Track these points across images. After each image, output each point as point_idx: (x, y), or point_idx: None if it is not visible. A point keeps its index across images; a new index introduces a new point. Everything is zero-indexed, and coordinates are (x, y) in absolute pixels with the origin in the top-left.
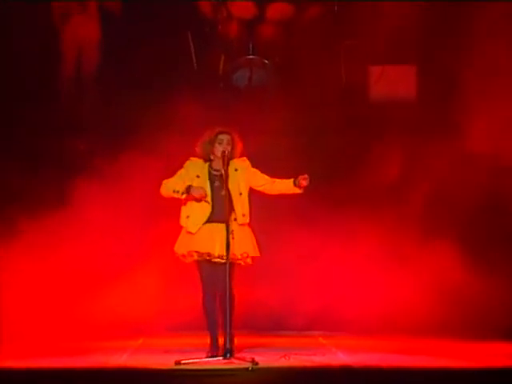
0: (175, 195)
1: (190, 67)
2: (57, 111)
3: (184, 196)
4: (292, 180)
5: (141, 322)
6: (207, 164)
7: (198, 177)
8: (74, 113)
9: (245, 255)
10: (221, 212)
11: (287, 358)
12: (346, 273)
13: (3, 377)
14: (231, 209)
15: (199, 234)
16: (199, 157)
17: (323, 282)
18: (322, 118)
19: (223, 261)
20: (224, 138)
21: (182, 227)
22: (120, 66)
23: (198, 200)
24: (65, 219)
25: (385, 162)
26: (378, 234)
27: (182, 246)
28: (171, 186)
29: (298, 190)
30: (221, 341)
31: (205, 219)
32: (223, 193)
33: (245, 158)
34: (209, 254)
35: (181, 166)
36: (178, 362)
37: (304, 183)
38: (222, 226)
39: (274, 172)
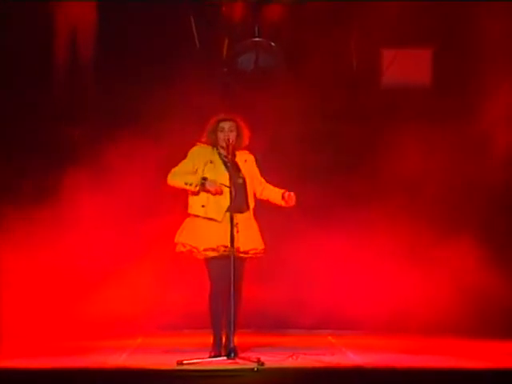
0: (187, 187)
1: (193, 51)
2: (50, 99)
3: (197, 189)
4: (281, 192)
5: (139, 319)
6: (215, 149)
7: (211, 162)
8: (69, 100)
9: (261, 249)
10: (238, 201)
11: (295, 357)
12: (356, 269)
13: None
14: (245, 200)
15: (221, 227)
16: (206, 144)
17: (333, 278)
18: (331, 105)
19: (245, 255)
20: (225, 125)
21: (185, 218)
22: (119, 52)
23: (213, 194)
24: (58, 213)
25: (398, 152)
26: (391, 229)
27: (198, 238)
28: (182, 177)
29: (283, 204)
30: (224, 340)
31: (227, 204)
32: (240, 181)
33: (248, 152)
34: (237, 249)
35: (184, 156)
36: (179, 362)
37: (290, 203)
38: (241, 217)
39: (280, 162)
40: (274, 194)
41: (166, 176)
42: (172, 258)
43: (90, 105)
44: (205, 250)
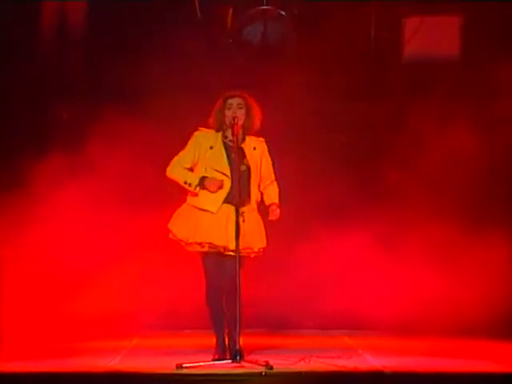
0: (186, 187)
1: (194, 22)
2: (35, 75)
3: (197, 190)
4: (271, 203)
5: (134, 318)
6: (220, 134)
7: (211, 148)
8: (56, 77)
9: (261, 249)
10: (238, 191)
11: (307, 361)
12: (374, 266)
13: None
14: (248, 191)
15: (213, 220)
16: (211, 128)
17: (348, 275)
18: (348, 81)
19: (233, 254)
20: (233, 101)
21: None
22: (109, 24)
23: (214, 193)
24: (37, 202)
25: (421, 133)
26: (413, 221)
27: (186, 230)
28: (182, 174)
29: (268, 214)
30: (228, 341)
31: (224, 195)
32: (243, 168)
33: (263, 139)
34: (224, 248)
35: (182, 141)
36: (179, 366)
37: (272, 216)
38: (241, 210)
39: (290, 146)
40: (266, 199)
41: (160, 162)
42: (171, 252)
43: (78, 82)
44: (190, 244)
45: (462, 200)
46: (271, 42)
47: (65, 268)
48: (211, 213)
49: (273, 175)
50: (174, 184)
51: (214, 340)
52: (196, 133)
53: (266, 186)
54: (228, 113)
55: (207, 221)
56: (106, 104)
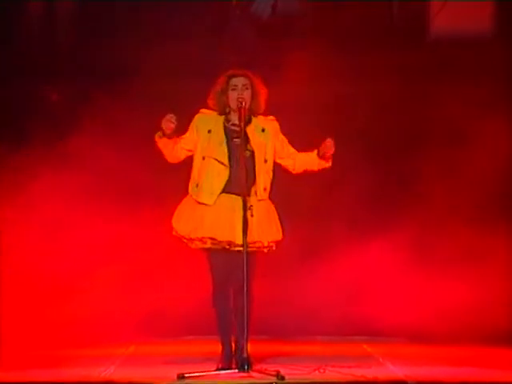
0: (161, 145)
1: None
2: (21, 53)
3: (161, 137)
4: (316, 151)
5: (131, 323)
6: (222, 117)
7: (209, 132)
8: (44, 56)
9: (271, 243)
10: (242, 180)
11: (322, 370)
12: (396, 270)
13: None
14: (253, 178)
15: (214, 213)
16: (213, 109)
17: (368, 278)
18: (367, 62)
19: (239, 249)
20: (238, 81)
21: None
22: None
23: (166, 133)
24: (28, 196)
25: (449, 121)
26: (437, 225)
27: (187, 225)
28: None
29: (324, 164)
30: (235, 349)
31: (221, 186)
32: (247, 154)
33: (273, 117)
34: (229, 243)
35: (184, 127)
36: (180, 376)
37: (328, 152)
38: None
39: (303, 131)
40: (309, 159)
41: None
42: (171, 248)
43: (69, 61)
44: (191, 240)
45: (493, 202)
46: (282, 15)
47: (56, 271)
48: (209, 206)
49: (292, 149)
50: (172, 179)
51: (220, 347)
52: (197, 116)
53: (294, 162)
54: (232, 94)
55: (210, 214)
56: (97, 88)
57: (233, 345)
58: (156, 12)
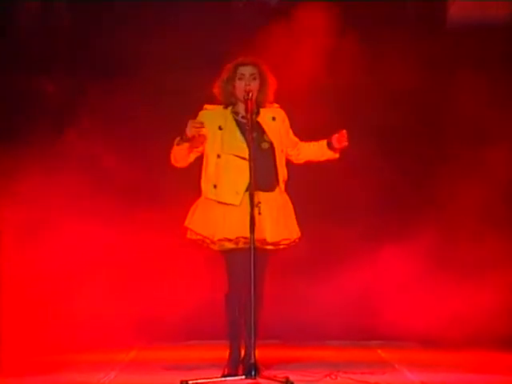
0: (178, 151)
1: None
2: (15, 42)
3: (184, 144)
4: (325, 141)
5: (132, 328)
6: (229, 109)
7: (220, 129)
8: (39, 47)
9: (295, 238)
10: (264, 174)
11: (333, 377)
12: (412, 268)
13: None
14: (275, 171)
15: (242, 211)
16: (218, 100)
17: (382, 276)
18: (384, 48)
19: (274, 247)
20: (246, 71)
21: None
22: None
23: (193, 141)
24: (22, 194)
25: (473, 118)
26: (457, 233)
27: (209, 226)
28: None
29: (332, 155)
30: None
31: (246, 183)
32: (265, 146)
33: (277, 105)
34: (261, 242)
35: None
36: (184, 383)
37: (341, 144)
38: (269, 196)
39: (318, 125)
40: (317, 149)
41: (160, 149)
42: (174, 249)
43: (66, 53)
44: (220, 240)
45: None
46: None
47: (55, 275)
48: (235, 206)
49: (296, 138)
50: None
51: (226, 352)
52: (200, 112)
53: (298, 152)
54: (239, 84)
55: (235, 213)
56: (100, 78)
57: (241, 350)
58: (156, 3)
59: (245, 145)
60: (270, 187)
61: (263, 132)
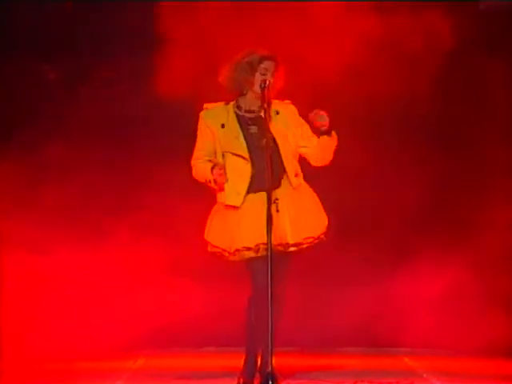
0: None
1: None
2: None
3: (215, 185)
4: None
5: (140, 335)
6: (231, 104)
7: (222, 126)
8: (40, 31)
9: (321, 235)
10: (269, 172)
11: None
12: (442, 270)
13: None
14: (281, 166)
15: (255, 217)
16: (225, 88)
17: (408, 281)
18: (406, 35)
19: (295, 248)
20: (270, 66)
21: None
22: None
23: (219, 185)
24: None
25: (498, 102)
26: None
27: (226, 237)
28: (203, 172)
29: (326, 139)
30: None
31: (247, 183)
32: (267, 141)
33: (289, 101)
34: (282, 245)
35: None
36: None
37: (317, 121)
38: (281, 193)
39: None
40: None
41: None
42: (184, 258)
43: (68, 36)
44: (238, 250)
45: None
46: None
47: (60, 282)
48: (237, 208)
49: (315, 138)
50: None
51: (243, 360)
52: (202, 113)
53: (314, 146)
54: (259, 78)
55: (251, 218)
56: (105, 63)
57: (258, 358)
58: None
59: (243, 143)
60: (276, 184)
61: (265, 127)
